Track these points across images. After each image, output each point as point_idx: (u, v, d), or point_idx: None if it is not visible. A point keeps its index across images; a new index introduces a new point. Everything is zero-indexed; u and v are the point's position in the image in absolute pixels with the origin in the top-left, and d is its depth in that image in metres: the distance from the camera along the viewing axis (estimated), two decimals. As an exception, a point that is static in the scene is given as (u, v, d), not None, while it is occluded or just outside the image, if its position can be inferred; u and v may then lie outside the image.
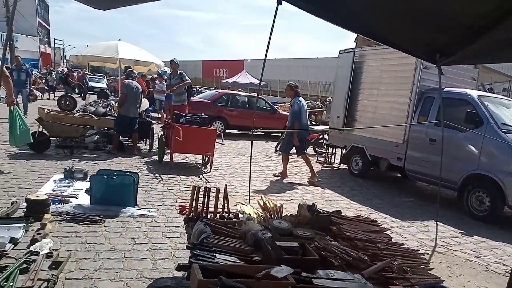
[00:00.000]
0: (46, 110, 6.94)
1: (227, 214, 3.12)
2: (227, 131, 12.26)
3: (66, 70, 28.73)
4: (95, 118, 7.42)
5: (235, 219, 3.05)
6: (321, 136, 10.76)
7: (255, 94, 16.50)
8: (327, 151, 9.66)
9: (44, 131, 6.79)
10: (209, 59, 58.38)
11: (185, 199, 5.14)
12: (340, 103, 8.74)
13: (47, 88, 20.76)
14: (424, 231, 5.25)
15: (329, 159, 9.58)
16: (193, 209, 3.00)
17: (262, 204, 3.42)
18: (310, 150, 10.98)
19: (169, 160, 7.12)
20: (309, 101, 27.09)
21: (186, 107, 8.89)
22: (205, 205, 3.00)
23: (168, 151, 7.29)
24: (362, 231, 3.20)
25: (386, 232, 3.45)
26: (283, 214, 3.34)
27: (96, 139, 7.90)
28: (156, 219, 4.28)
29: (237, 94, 14.29)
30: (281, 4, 3.85)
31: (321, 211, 3.37)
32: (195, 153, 7.52)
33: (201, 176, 6.72)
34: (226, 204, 3.17)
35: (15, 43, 43.41)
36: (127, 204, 4.37)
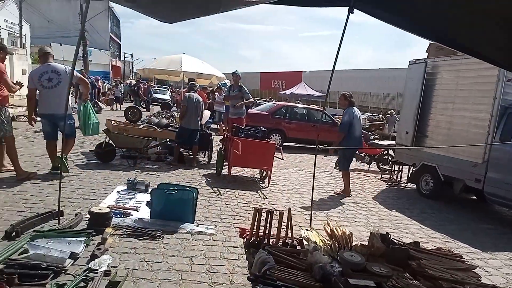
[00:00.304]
0: (113, 122, 7.23)
1: (290, 241, 2.86)
2: (284, 144, 12.03)
3: (134, 82, 30.56)
4: (158, 130, 7.59)
5: (300, 247, 2.78)
6: (385, 152, 10.14)
7: (315, 106, 16.17)
8: (393, 169, 9.04)
9: (111, 142, 7.04)
10: (267, 70, 58.98)
11: (243, 217, 4.97)
12: (409, 118, 8.13)
13: (115, 99, 21.97)
14: (509, 265, 4.57)
15: (394, 177, 8.95)
16: (254, 232, 2.78)
17: (329, 231, 3.12)
18: (373, 167, 10.40)
19: (227, 173, 7.04)
20: (370, 114, 26.14)
21: (243, 119, 8.83)
22: (267, 230, 2.77)
23: (227, 164, 7.23)
24: (447, 269, 2.78)
25: (474, 271, 2.98)
26: (353, 244, 3.00)
27: (158, 150, 8.06)
28: (214, 237, 4.12)
29: (296, 106, 14.04)
30: (352, 12, 3.59)
31: (397, 242, 2.99)
32: (254, 167, 7.36)
33: (259, 191, 6.53)
34: (290, 229, 2.90)
35: (89, 56, 47.27)
36: (185, 219, 4.28)
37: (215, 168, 7.61)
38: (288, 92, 32.90)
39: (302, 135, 12.64)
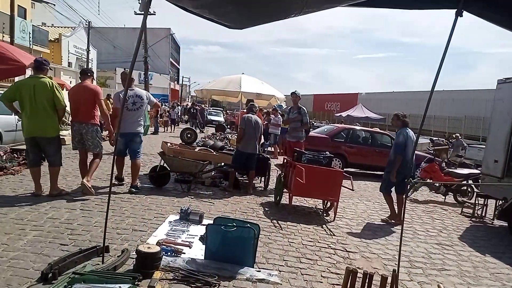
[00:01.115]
0: (168, 144, 6.90)
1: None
2: (345, 169, 11.13)
3: (190, 104, 31.17)
4: (214, 153, 7.13)
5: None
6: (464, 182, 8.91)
7: (378, 129, 15.13)
8: (477, 202, 7.82)
9: (165, 165, 6.69)
10: (320, 93, 58.22)
11: (310, 260, 4.24)
12: (498, 144, 7.00)
13: (170, 121, 22.29)
14: None
15: (478, 212, 7.72)
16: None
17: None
18: (449, 198, 9.18)
19: (288, 203, 6.37)
20: (431, 137, 24.23)
21: (303, 144, 8.17)
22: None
23: (286, 191, 6.56)
24: None
25: None
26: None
27: (212, 174, 7.61)
28: (278, 287, 3.44)
29: (359, 129, 13.12)
30: (461, 16, 2.86)
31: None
32: (318, 198, 6.61)
33: (324, 226, 5.75)
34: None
35: (150, 80, 49.59)
36: (245, 262, 3.65)
37: (272, 195, 6.98)
38: (344, 114, 31.72)
39: (366, 161, 11.67)
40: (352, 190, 6.37)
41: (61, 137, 5.70)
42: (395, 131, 7.15)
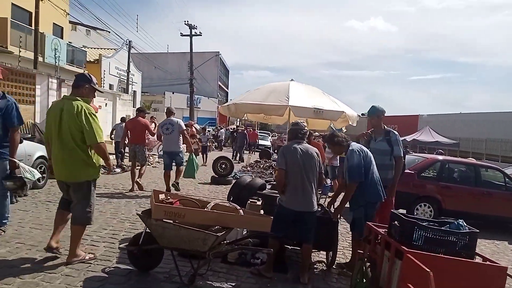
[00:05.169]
0: (161, 197, 3.86)
1: None
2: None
3: (235, 127, 28.73)
4: (241, 213, 3.87)
5: None
6: None
7: (472, 160, 11.31)
8: None
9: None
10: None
11: None
12: None
13: (201, 150, 17.64)
14: None
15: None
16: None
17: None
18: None
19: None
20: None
21: (395, 190, 4.95)
22: None
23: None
24: None
25: None
26: None
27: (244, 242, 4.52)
28: None
29: (455, 161, 9.48)
30: None
31: None
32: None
33: None
34: None
35: (198, 104, 48.37)
36: None
37: (344, 283, 3.77)
38: (408, 138, 27.42)
39: (469, 208, 8.03)
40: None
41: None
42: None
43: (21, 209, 5.88)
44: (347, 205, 4.49)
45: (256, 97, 5.60)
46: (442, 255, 2.96)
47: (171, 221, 3.59)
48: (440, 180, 8.32)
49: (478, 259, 3.15)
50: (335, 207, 4.69)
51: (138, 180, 8.27)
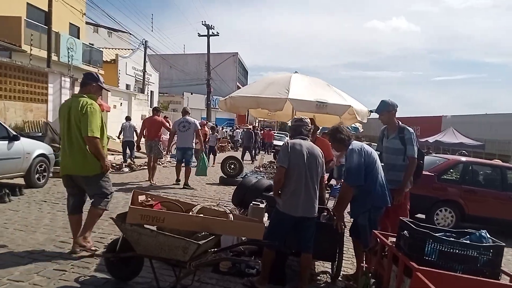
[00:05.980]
0: (140, 199, 3.47)
1: None
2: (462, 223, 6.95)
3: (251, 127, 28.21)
4: (230, 218, 3.40)
5: None
6: None
7: (498, 162, 10.50)
8: None
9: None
10: (396, 115, 51.71)
11: None
12: None
13: (208, 149, 16.69)
14: None
15: None
16: None
17: None
18: None
19: None
20: None
21: (408, 196, 4.44)
22: None
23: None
24: None
25: None
26: None
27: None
28: None
29: (479, 162, 8.78)
30: None
31: None
32: None
33: None
34: None
35: (216, 104, 48.26)
36: None
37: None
38: (431, 139, 26.37)
39: (497, 213, 7.38)
40: None
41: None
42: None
43: (11, 209, 5.62)
44: (348, 209, 4.04)
45: (254, 90, 5.07)
46: (460, 274, 2.46)
47: (150, 227, 3.20)
48: (463, 183, 7.66)
49: (504, 279, 2.63)
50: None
51: (152, 181, 9.23)
